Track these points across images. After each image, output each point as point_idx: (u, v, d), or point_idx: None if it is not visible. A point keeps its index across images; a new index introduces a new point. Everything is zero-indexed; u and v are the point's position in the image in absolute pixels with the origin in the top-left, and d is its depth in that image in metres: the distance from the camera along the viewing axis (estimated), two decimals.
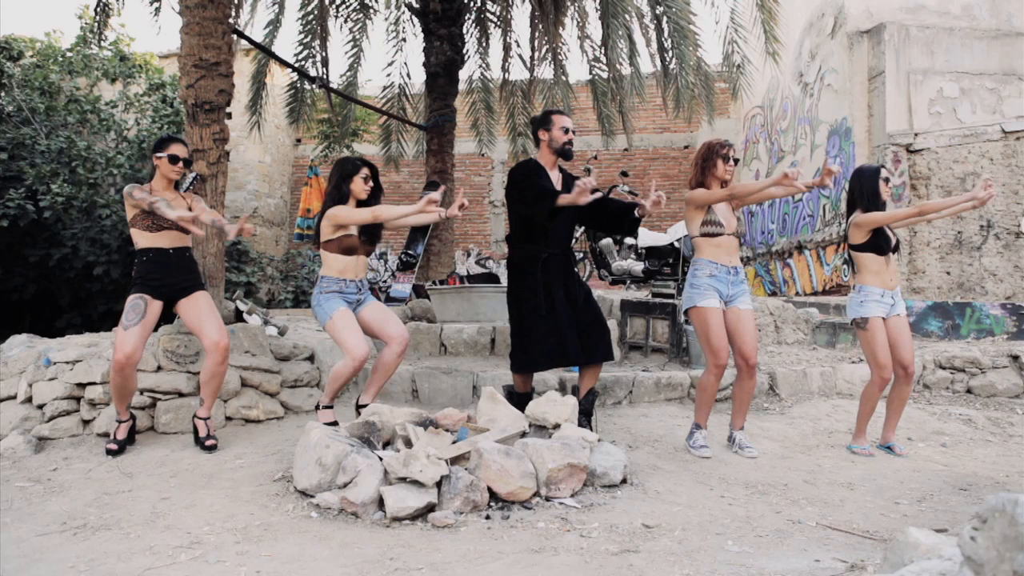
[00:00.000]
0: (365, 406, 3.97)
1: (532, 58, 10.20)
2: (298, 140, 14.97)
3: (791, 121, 11.64)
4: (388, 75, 10.55)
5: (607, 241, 8.46)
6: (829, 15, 10.34)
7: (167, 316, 4.22)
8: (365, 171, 4.12)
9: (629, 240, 8.41)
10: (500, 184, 14.20)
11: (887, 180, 4.24)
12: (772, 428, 4.60)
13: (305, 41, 8.96)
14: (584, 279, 8.69)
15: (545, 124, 4.15)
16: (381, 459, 3.06)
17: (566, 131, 4.09)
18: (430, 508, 2.89)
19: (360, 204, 4.12)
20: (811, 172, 10.87)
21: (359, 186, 4.09)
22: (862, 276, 4.25)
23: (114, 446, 3.86)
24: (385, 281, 13.02)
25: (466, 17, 9.76)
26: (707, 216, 4.06)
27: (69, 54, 11.10)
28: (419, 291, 8.30)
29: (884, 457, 4.15)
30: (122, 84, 11.20)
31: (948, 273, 8.80)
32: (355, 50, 10.07)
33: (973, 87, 9.05)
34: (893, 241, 4.22)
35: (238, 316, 5.19)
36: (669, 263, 7.89)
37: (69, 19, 39.94)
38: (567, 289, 4.07)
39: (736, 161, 4.10)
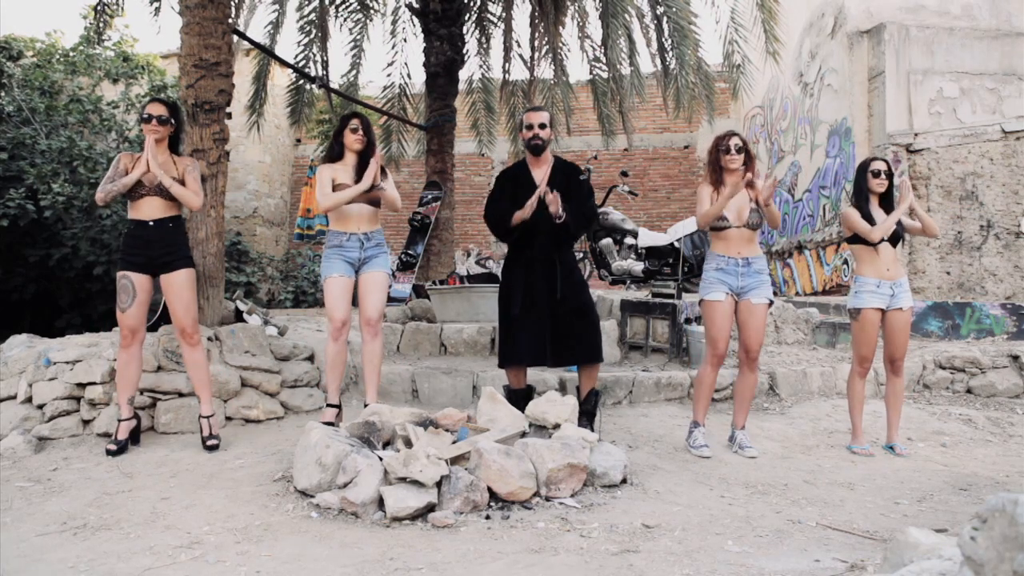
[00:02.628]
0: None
1: (532, 58, 10.19)
2: (298, 140, 14.97)
3: (791, 121, 11.64)
4: (388, 75, 10.56)
5: (607, 241, 8.45)
6: (829, 15, 10.34)
7: (166, 315, 4.22)
8: (354, 122, 4.19)
9: (629, 240, 8.41)
10: None
11: (877, 173, 4.25)
12: (772, 428, 4.60)
13: (305, 41, 8.95)
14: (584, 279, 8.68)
15: (520, 126, 4.23)
16: (381, 459, 3.06)
17: (529, 127, 4.10)
18: (430, 508, 2.89)
19: (360, 157, 4.19)
20: (811, 172, 10.88)
21: (349, 138, 4.17)
22: (858, 267, 4.32)
23: (113, 446, 3.86)
24: None
25: (466, 17, 9.76)
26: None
27: (72, 54, 11.10)
28: (419, 291, 8.29)
29: (884, 457, 4.15)
30: (124, 85, 11.21)
31: (948, 273, 8.80)
32: (355, 50, 10.07)
33: (973, 87, 9.04)
34: (895, 221, 4.19)
35: (238, 316, 5.18)
36: (669, 263, 7.88)
37: (70, 19, 40.00)
38: (552, 288, 4.06)
39: (740, 149, 4.03)
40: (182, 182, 4.04)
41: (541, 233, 4.05)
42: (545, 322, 3.99)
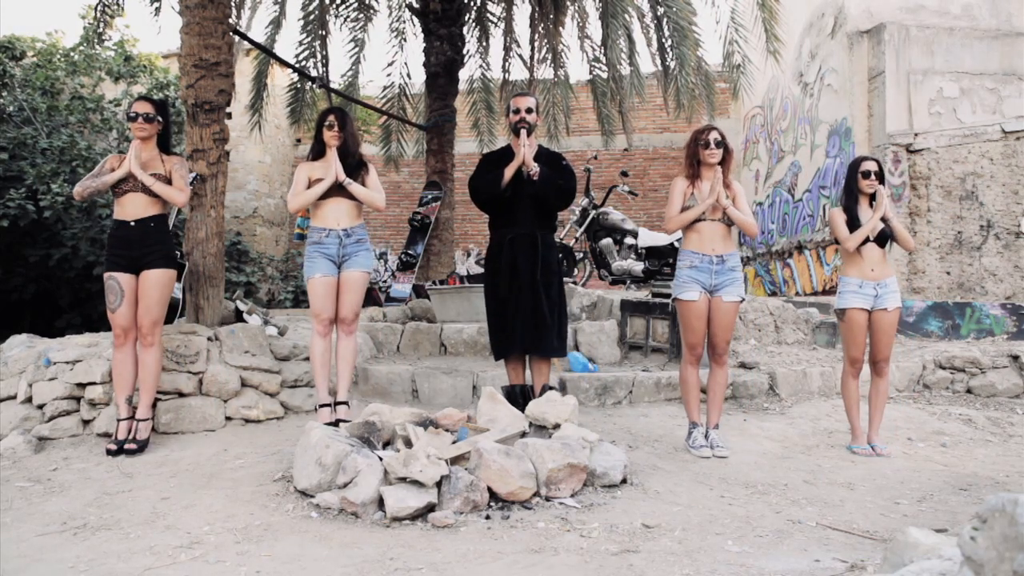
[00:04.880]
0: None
1: (532, 58, 10.20)
2: (298, 140, 14.96)
3: (791, 121, 11.63)
4: (388, 75, 10.56)
5: (607, 241, 8.46)
6: (829, 15, 10.34)
7: (168, 316, 4.22)
8: (330, 118, 4.18)
9: (629, 240, 8.42)
10: None
11: (867, 174, 4.23)
12: (772, 428, 4.60)
13: (306, 41, 8.97)
14: (584, 279, 8.72)
15: (507, 111, 4.35)
16: (381, 459, 3.06)
17: (516, 112, 4.20)
18: (430, 508, 2.89)
19: (340, 154, 4.13)
20: (811, 172, 10.88)
21: (327, 135, 4.16)
22: (843, 267, 4.33)
23: (113, 446, 3.86)
24: (385, 281, 13.02)
25: (466, 17, 9.76)
26: (687, 202, 4.08)
27: (72, 54, 11.10)
28: (419, 291, 8.30)
29: (884, 457, 4.14)
30: (126, 84, 11.21)
31: (948, 273, 8.79)
32: (355, 50, 10.07)
33: (973, 87, 9.04)
34: (867, 232, 4.16)
35: (238, 316, 5.19)
36: (669, 263, 7.89)
37: (72, 19, 39.99)
38: (535, 269, 4.08)
39: (719, 144, 4.06)
40: (169, 180, 4.03)
41: (522, 201, 4.13)
42: (530, 307, 4.02)
